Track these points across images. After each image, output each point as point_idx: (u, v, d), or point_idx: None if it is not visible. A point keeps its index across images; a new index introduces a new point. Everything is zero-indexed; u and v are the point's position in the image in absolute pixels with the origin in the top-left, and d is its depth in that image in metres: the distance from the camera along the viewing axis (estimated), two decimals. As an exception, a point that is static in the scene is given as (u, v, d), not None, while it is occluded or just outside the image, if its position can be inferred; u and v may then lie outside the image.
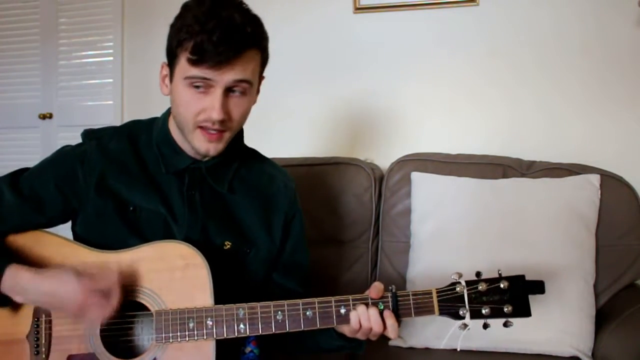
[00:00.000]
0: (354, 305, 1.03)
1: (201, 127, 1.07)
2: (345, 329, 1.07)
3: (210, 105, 1.04)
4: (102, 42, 2.44)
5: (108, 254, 1.08)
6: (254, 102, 1.13)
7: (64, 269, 1.03)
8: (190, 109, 1.05)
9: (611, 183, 1.65)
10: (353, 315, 1.03)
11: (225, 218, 1.18)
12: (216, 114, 1.03)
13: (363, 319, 1.03)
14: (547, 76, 1.96)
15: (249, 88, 1.07)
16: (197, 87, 1.04)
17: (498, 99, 2.00)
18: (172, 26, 1.06)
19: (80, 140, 1.20)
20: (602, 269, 1.60)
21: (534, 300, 1.04)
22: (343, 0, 2.12)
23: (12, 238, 1.11)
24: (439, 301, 1.04)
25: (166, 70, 1.11)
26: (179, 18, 1.05)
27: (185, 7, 1.06)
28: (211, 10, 1.02)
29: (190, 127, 1.07)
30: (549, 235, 1.55)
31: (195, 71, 1.02)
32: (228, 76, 1.03)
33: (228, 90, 1.05)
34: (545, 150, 1.84)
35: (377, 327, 1.02)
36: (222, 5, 1.03)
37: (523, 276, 1.04)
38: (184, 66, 1.03)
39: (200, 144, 1.08)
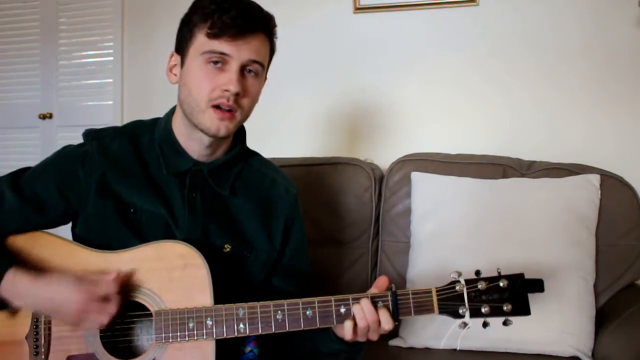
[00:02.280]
0: (353, 304, 1.03)
1: (214, 107, 1.07)
2: (344, 333, 1.04)
3: (227, 80, 1.06)
4: (102, 42, 2.44)
5: (107, 254, 1.08)
6: (260, 92, 1.14)
7: (64, 275, 1.03)
8: (205, 87, 1.06)
9: (611, 183, 1.65)
10: (355, 308, 1.02)
11: (225, 221, 1.17)
12: (233, 87, 1.05)
13: (358, 316, 1.02)
14: (547, 76, 1.96)
15: (262, 71, 1.12)
16: (215, 62, 1.06)
17: (498, 99, 2.00)
18: (186, 15, 1.11)
19: (81, 140, 1.19)
20: (602, 269, 1.60)
21: (534, 300, 1.04)
22: (343, 0, 2.12)
23: (11, 239, 1.10)
24: (438, 300, 1.04)
25: (175, 60, 1.13)
26: (192, 8, 1.10)
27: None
28: None
29: (202, 106, 1.07)
30: (549, 235, 1.55)
31: (215, 44, 1.05)
32: (244, 53, 1.06)
33: (243, 70, 1.07)
34: (545, 150, 1.84)
35: (370, 316, 1.01)
36: None
37: (522, 275, 1.04)
38: (201, 42, 1.06)
39: (212, 123, 1.08)
